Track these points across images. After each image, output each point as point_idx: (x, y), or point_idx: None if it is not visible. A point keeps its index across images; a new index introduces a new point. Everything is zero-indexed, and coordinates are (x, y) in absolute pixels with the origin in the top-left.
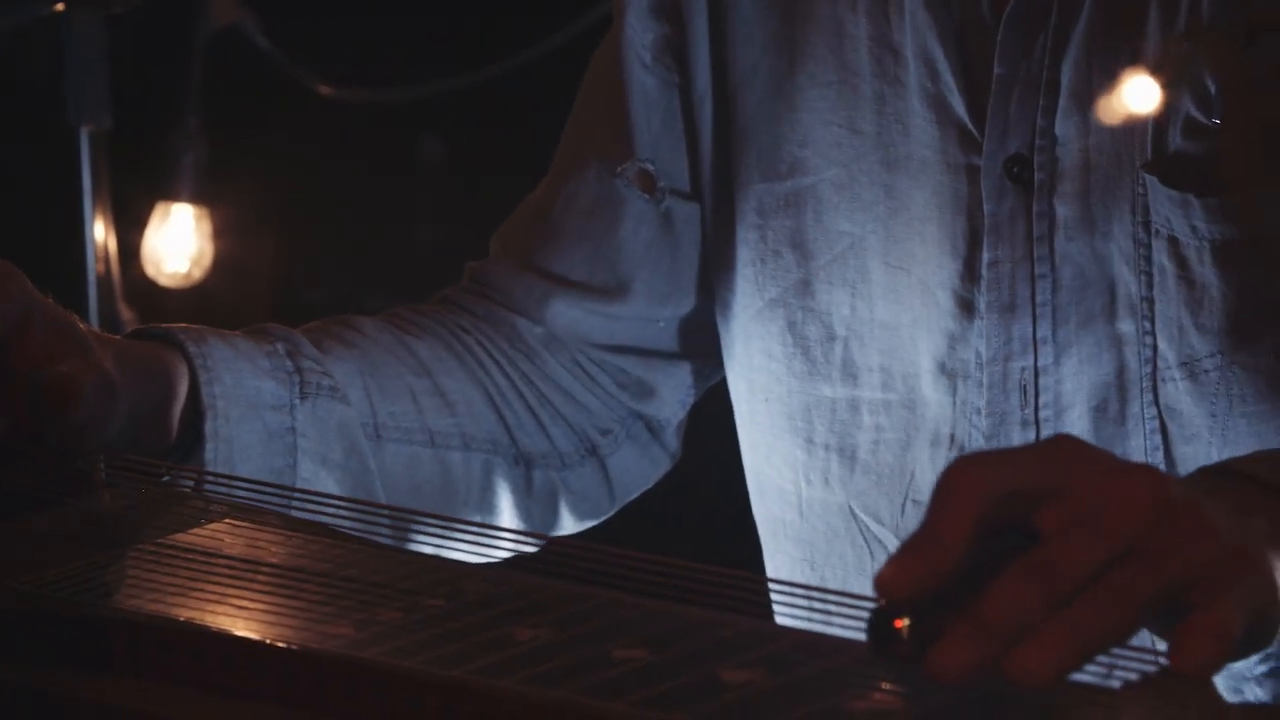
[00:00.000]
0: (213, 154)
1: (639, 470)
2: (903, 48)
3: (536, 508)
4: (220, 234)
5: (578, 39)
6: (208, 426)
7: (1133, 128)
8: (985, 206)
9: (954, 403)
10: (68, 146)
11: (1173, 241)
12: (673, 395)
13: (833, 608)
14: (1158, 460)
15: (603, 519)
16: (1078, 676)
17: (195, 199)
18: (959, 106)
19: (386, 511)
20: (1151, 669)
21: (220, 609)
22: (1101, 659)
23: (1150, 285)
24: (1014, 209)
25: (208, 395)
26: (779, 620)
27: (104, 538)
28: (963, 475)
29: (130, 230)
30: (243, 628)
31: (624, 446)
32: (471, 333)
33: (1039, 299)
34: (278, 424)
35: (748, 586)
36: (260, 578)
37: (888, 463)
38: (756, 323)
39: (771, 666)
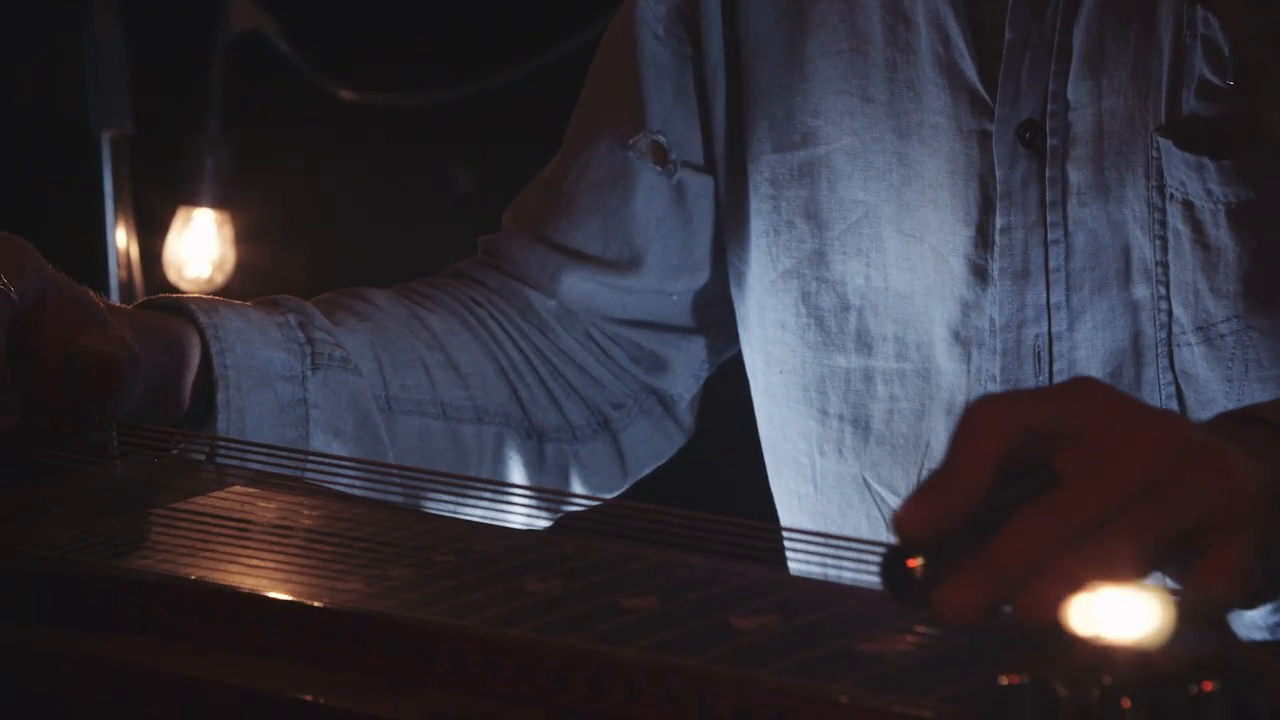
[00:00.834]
0: (234, 159)
1: (652, 445)
2: (914, 14)
3: (548, 481)
4: (242, 239)
5: (599, 43)
6: (220, 397)
7: (1146, 91)
8: (998, 172)
9: (968, 370)
10: (89, 152)
11: (1187, 205)
12: (686, 370)
13: (846, 561)
14: None
15: (615, 494)
16: None
17: (217, 204)
18: (971, 72)
19: (398, 475)
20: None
21: (230, 568)
22: None
23: (1165, 250)
24: (1027, 174)
25: (220, 366)
26: (793, 570)
27: (116, 504)
28: (983, 414)
29: (152, 235)
30: (251, 585)
31: (637, 421)
32: (484, 305)
33: (1052, 265)
34: (290, 395)
35: (762, 536)
36: (271, 539)
37: (902, 433)
38: (770, 294)
39: (784, 612)
